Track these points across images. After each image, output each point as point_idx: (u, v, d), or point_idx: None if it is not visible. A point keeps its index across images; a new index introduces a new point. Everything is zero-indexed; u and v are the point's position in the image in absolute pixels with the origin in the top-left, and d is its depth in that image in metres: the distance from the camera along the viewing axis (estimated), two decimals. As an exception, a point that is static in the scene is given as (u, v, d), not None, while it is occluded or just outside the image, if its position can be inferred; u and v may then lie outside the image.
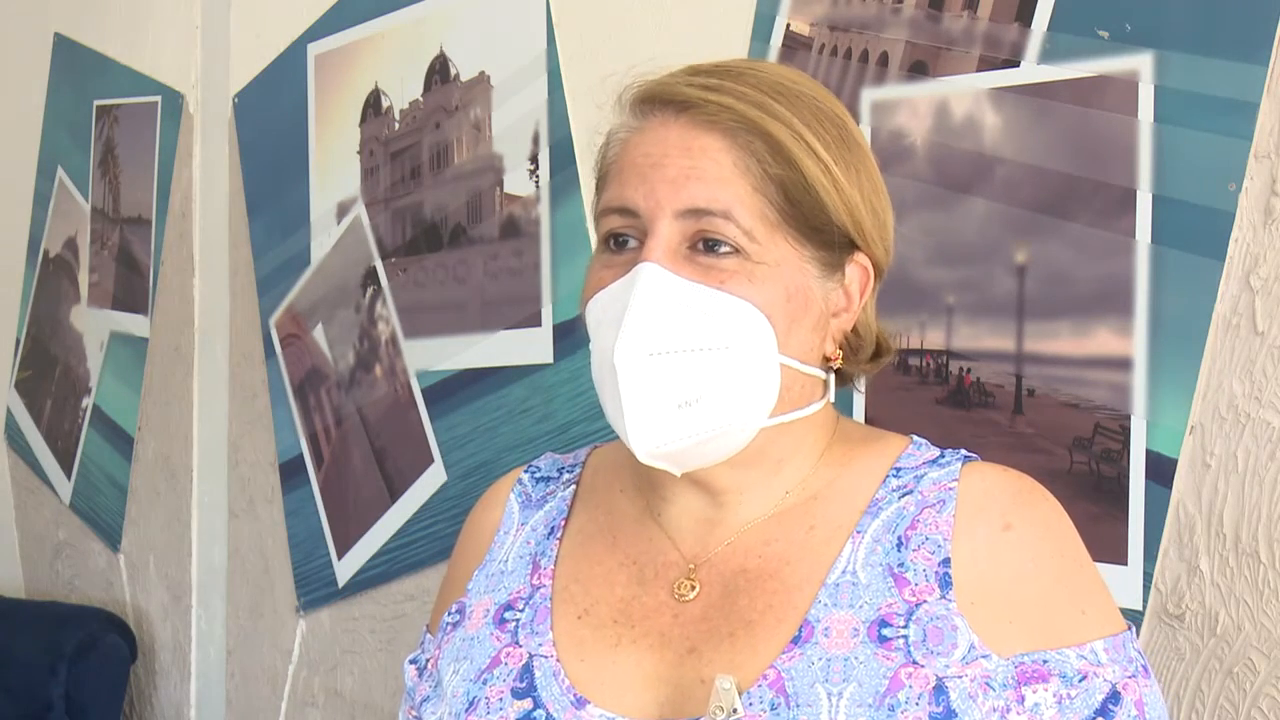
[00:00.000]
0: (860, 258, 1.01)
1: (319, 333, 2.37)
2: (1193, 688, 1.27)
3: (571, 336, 1.88)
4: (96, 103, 2.97)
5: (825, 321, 1.01)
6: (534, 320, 1.95)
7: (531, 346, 1.95)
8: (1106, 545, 1.31)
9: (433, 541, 2.13)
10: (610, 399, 0.97)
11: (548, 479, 1.15)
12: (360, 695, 2.30)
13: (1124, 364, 1.31)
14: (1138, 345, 1.30)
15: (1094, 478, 1.33)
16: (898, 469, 1.02)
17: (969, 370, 1.43)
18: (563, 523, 1.10)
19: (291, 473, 2.45)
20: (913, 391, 1.48)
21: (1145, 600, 1.30)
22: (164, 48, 2.76)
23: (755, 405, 0.97)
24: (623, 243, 0.98)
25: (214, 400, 2.65)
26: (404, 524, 2.18)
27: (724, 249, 0.95)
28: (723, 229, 0.95)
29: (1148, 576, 1.30)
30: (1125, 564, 1.30)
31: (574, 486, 1.13)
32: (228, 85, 2.60)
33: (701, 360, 0.95)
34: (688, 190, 0.95)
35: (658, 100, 0.99)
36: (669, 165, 0.96)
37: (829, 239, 0.98)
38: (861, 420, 1.50)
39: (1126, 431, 1.31)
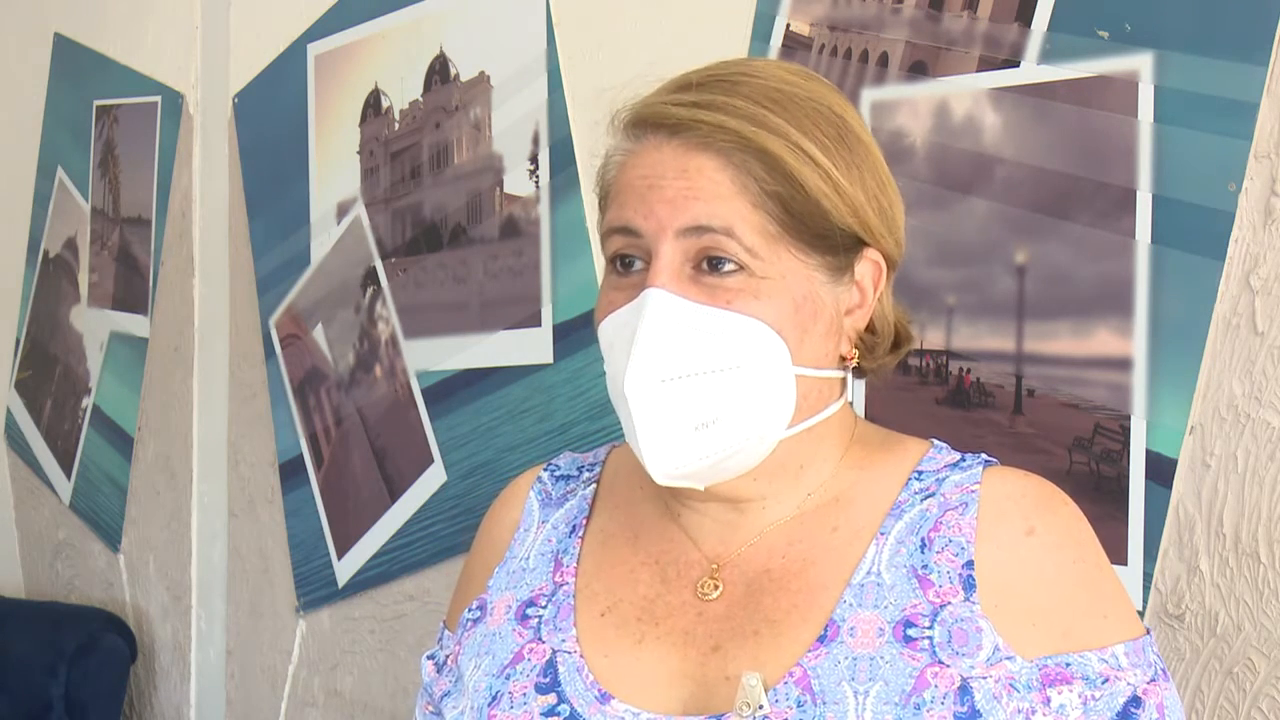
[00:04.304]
0: (870, 253, 1.01)
1: (319, 333, 2.37)
2: (1193, 688, 1.27)
3: (571, 336, 1.88)
4: (96, 103, 2.97)
5: (838, 323, 1.01)
6: (534, 320, 1.95)
7: (531, 346, 1.95)
8: (1106, 545, 1.29)
9: (433, 541, 2.13)
10: (626, 424, 0.97)
11: (568, 477, 1.15)
12: (360, 695, 2.30)
13: (1124, 364, 1.31)
14: (1138, 345, 1.30)
15: (1094, 478, 1.33)
16: (919, 472, 1.02)
17: (969, 370, 1.43)
18: (584, 521, 1.10)
19: (291, 473, 2.45)
20: (913, 391, 1.48)
21: (1145, 600, 1.30)
22: (164, 48, 2.76)
23: (774, 419, 0.97)
24: (629, 264, 0.98)
25: (214, 400, 2.65)
26: (404, 524, 2.18)
27: (728, 267, 0.95)
28: (725, 245, 0.94)
29: (1148, 577, 1.30)
30: (1125, 564, 1.30)
31: (594, 486, 1.13)
32: (228, 85, 2.60)
33: (715, 381, 0.95)
34: (688, 210, 0.95)
35: (649, 124, 0.98)
36: (666, 186, 0.95)
37: (834, 244, 0.98)
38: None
39: (1126, 432, 1.31)
